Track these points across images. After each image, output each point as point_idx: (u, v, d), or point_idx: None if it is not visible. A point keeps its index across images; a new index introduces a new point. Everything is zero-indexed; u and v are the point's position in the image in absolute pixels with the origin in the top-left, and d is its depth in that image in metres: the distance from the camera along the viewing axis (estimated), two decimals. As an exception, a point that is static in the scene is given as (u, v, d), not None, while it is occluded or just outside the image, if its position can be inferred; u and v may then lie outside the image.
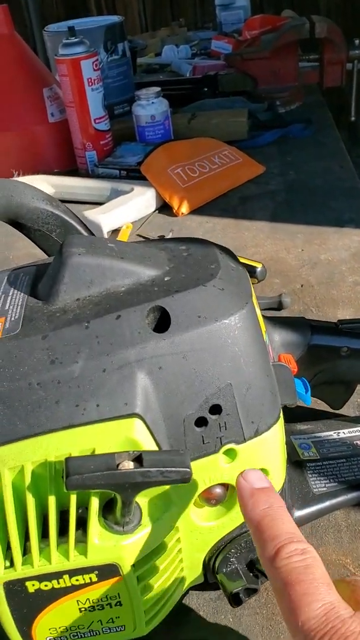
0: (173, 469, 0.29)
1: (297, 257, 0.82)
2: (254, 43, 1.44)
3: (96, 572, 0.31)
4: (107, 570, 0.31)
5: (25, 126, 1.14)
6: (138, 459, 0.29)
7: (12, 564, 0.31)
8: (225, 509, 0.35)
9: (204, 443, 0.33)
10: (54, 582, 0.31)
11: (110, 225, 0.91)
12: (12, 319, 0.33)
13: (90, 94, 1.08)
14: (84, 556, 0.31)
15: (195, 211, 0.97)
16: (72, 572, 0.31)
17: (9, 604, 0.32)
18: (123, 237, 0.89)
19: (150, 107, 1.12)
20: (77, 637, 0.34)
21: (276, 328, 0.44)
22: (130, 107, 1.16)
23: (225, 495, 0.35)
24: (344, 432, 0.49)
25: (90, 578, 0.32)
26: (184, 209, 0.96)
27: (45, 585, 0.31)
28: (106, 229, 0.90)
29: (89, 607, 0.33)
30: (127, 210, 0.94)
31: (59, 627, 0.34)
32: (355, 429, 0.49)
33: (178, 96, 1.33)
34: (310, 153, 1.14)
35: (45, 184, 1.04)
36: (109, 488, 0.29)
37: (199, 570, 0.37)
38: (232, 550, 0.36)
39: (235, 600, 0.36)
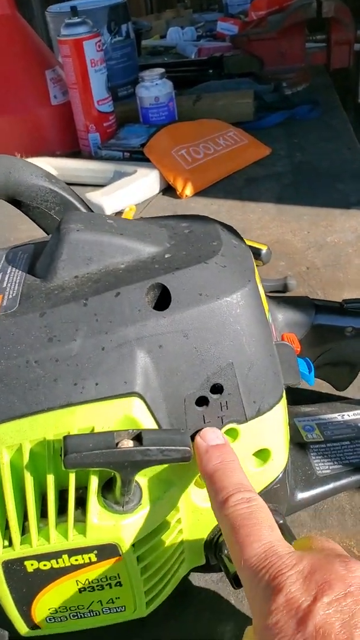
0: (173, 447, 0.29)
1: (303, 239, 0.81)
2: (261, 24, 1.41)
3: (95, 551, 0.31)
4: (107, 550, 0.31)
5: (27, 109, 1.13)
6: (138, 437, 0.29)
7: (10, 544, 0.30)
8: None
9: (205, 422, 0.32)
10: (53, 561, 0.31)
11: (113, 207, 0.90)
12: (10, 296, 0.32)
13: (93, 75, 1.07)
14: (83, 535, 0.30)
15: (199, 193, 0.96)
16: (71, 552, 0.31)
17: (8, 583, 0.32)
18: (126, 219, 0.88)
19: (154, 88, 1.10)
20: (77, 617, 0.34)
21: (279, 307, 0.43)
22: (134, 90, 1.14)
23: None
24: (348, 415, 0.48)
25: (89, 558, 0.31)
26: (188, 191, 0.95)
27: (45, 565, 0.31)
28: (109, 211, 0.89)
29: (88, 587, 0.33)
30: (130, 192, 0.93)
31: (59, 607, 0.33)
32: (359, 411, 0.48)
33: (183, 78, 1.31)
34: (317, 135, 1.13)
35: (48, 166, 1.03)
36: (107, 466, 0.28)
37: (200, 551, 0.37)
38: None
39: (237, 582, 0.35)
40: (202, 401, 0.32)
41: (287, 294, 0.69)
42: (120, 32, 1.31)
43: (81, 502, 0.30)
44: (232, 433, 0.33)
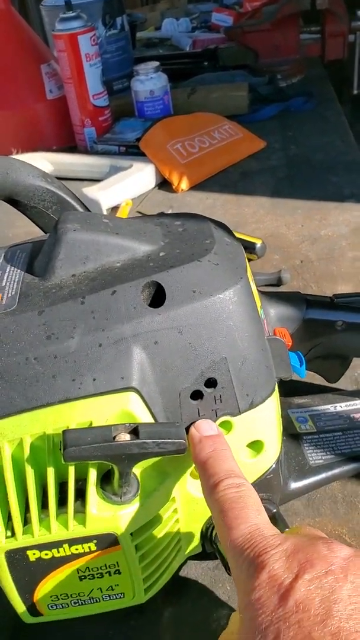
0: (169, 440, 0.30)
1: (297, 232, 0.82)
2: (255, 15, 1.41)
3: (95, 541, 0.32)
4: (106, 540, 0.32)
5: (23, 103, 1.13)
6: (134, 431, 0.30)
7: (13, 534, 0.31)
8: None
9: (199, 416, 0.33)
10: (54, 551, 0.32)
11: (110, 202, 0.90)
12: (9, 295, 0.33)
13: (88, 69, 1.07)
14: (83, 526, 0.31)
15: (195, 187, 0.97)
16: (72, 542, 0.32)
17: (11, 572, 0.33)
18: (122, 213, 0.89)
19: (149, 82, 1.11)
20: (77, 604, 0.35)
21: (271, 302, 0.44)
22: (130, 83, 1.15)
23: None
24: (340, 406, 0.49)
25: (89, 547, 0.32)
26: (184, 185, 0.95)
27: (46, 554, 0.32)
28: (105, 205, 0.90)
29: (88, 575, 0.34)
30: (127, 186, 0.93)
31: (60, 595, 0.35)
32: (351, 402, 0.49)
33: (178, 71, 1.31)
34: (312, 127, 1.13)
35: (44, 161, 1.04)
36: (105, 459, 0.29)
37: (196, 540, 0.38)
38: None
39: (231, 568, 0.37)
40: (196, 395, 0.33)
41: (282, 288, 0.70)
42: (115, 25, 1.31)
43: (81, 494, 0.31)
44: (226, 425, 0.34)
